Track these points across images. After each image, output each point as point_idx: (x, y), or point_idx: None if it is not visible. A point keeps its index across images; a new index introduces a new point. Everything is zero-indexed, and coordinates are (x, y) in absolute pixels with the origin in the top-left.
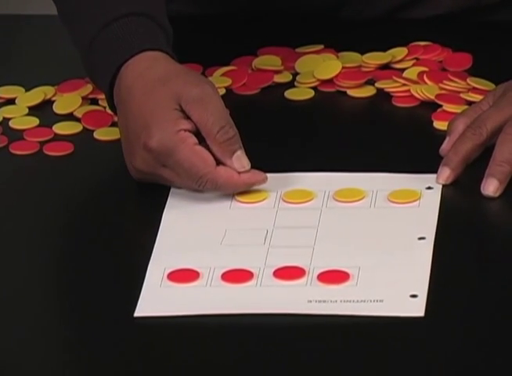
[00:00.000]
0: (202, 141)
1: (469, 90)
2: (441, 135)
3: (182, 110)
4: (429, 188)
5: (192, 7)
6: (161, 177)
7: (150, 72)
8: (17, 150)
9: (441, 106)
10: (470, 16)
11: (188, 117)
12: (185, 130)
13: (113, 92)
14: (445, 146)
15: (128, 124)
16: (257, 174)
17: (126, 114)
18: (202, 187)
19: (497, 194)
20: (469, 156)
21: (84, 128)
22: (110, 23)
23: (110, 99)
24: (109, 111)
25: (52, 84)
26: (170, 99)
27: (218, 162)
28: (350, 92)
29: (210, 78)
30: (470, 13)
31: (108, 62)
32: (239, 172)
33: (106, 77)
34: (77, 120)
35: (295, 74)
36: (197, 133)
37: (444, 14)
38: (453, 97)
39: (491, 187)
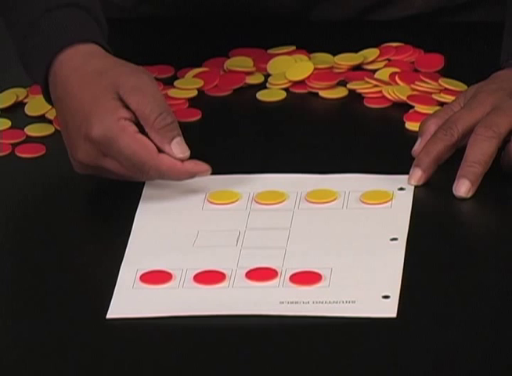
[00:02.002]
0: (142, 131)
1: (441, 91)
2: (413, 136)
3: (121, 100)
4: (401, 189)
5: (164, 10)
6: (104, 168)
7: (86, 66)
8: None
9: (412, 107)
10: (442, 16)
11: (127, 107)
12: (125, 119)
13: (48, 85)
14: (417, 147)
15: (67, 120)
16: (200, 164)
17: (64, 110)
18: (146, 175)
19: (469, 195)
20: (440, 157)
21: (56, 129)
22: (52, 10)
23: (46, 92)
24: None
25: (24, 86)
26: (108, 89)
27: (160, 151)
28: (322, 94)
29: (182, 80)
30: (441, 14)
31: (41, 54)
32: (182, 161)
33: (41, 70)
34: (49, 122)
35: (267, 76)
36: (137, 123)
37: (415, 15)
38: (425, 98)
39: (462, 188)
